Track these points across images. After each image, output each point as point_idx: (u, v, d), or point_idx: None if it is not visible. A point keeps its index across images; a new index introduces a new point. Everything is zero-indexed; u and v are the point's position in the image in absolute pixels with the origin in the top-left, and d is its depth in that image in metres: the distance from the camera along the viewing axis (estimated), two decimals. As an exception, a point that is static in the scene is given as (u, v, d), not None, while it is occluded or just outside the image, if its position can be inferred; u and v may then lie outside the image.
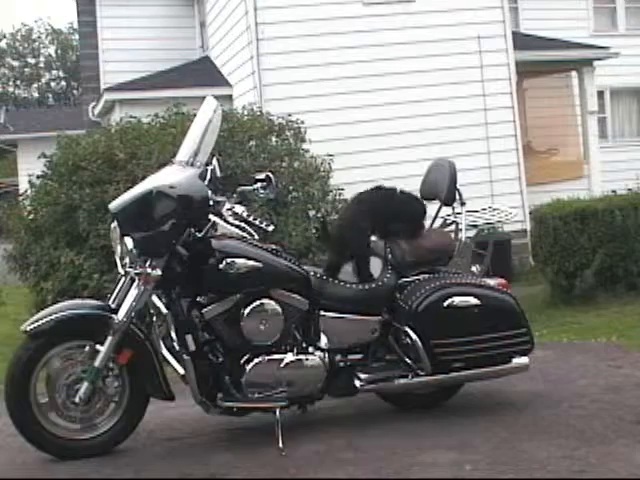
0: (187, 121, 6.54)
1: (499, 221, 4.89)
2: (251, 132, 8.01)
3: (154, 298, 4.04)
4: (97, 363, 3.97)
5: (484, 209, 4.94)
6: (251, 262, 4.08)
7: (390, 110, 10.58)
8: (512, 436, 4.02)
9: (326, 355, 4.25)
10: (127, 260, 4.02)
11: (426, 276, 4.42)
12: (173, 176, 4.10)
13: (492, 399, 4.69)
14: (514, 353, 4.40)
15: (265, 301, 4.10)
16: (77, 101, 34.91)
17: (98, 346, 3.98)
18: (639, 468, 3.52)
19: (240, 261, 4.04)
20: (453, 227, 4.75)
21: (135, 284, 3.99)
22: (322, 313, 4.27)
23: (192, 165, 4.12)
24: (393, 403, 4.64)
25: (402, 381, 4.32)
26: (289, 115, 8.58)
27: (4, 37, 42.74)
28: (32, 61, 43.52)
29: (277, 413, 4.08)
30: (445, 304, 4.25)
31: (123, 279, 4.09)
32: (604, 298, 7.92)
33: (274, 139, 8.34)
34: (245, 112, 8.61)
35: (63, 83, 43.65)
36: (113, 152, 7.52)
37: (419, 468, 3.68)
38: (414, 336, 4.23)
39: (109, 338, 3.96)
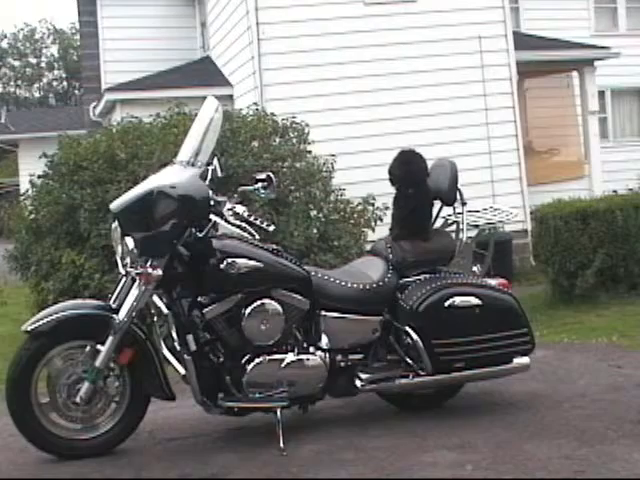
0: (189, 121, 6.52)
1: (500, 221, 4.89)
2: (254, 132, 8.00)
3: (155, 298, 4.05)
4: (98, 363, 3.97)
5: (485, 209, 4.95)
6: (252, 262, 4.08)
7: (391, 110, 10.56)
8: (513, 436, 4.02)
9: (327, 355, 4.25)
10: (128, 260, 4.02)
11: (427, 276, 4.42)
12: (174, 176, 4.10)
13: (492, 399, 4.69)
14: (515, 353, 4.40)
15: (266, 301, 4.11)
16: (78, 101, 34.90)
17: (99, 346, 3.99)
18: (639, 468, 3.52)
19: (241, 261, 4.04)
20: (454, 227, 4.75)
21: (136, 284, 3.99)
22: (323, 313, 4.27)
23: (193, 165, 4.12)
24: (394, 403, 4.63)
25: (403, 381, 4.33)
26: (294, 117, 8.56)
27: (5, 37, 42.77)
28: (33, 61, 43.52)
29: (278, 413, 4.08)
30: (446, 304, 4.26)
31: (124, 279, 4.09)
32: (605, 298, 7.91)
33: (277, 139, 8.32)
34: (250, 112, 8.59)
35: (64, 83, 43.65)
36: (114, 152, 7.51)
37: (420, 468, 3.68)
38: (415, 336, 4.23)
39: (110, 338, 3.96)
